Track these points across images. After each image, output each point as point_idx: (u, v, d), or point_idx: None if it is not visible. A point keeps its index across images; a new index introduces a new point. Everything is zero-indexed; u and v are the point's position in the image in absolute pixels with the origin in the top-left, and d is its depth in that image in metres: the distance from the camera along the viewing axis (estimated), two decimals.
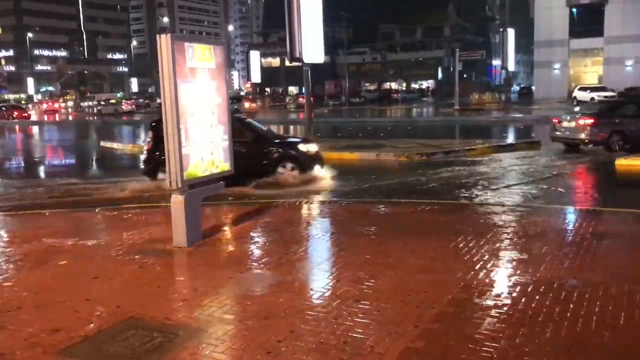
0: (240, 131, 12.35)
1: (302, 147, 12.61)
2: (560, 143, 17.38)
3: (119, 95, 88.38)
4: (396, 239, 7.05)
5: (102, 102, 65.03)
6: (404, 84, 72.50)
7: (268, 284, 5.60)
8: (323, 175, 12.57)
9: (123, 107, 62.74)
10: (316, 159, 12.68)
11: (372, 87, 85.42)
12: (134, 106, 64.73)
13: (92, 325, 4.62)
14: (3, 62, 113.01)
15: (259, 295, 5.29)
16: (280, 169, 12.11)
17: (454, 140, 20.75)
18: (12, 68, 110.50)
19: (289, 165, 12.16)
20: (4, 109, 56.24)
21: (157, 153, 11.85)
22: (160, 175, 11.56)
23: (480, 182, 11.89)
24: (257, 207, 9.44)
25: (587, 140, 16.47)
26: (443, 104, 52.46)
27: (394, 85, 73.26)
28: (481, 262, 5.99)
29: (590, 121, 16.48)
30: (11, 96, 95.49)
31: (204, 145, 7.06)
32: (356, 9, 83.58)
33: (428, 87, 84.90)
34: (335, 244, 7.27)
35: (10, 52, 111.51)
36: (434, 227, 7.81)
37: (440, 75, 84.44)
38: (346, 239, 7.34)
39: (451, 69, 59.32)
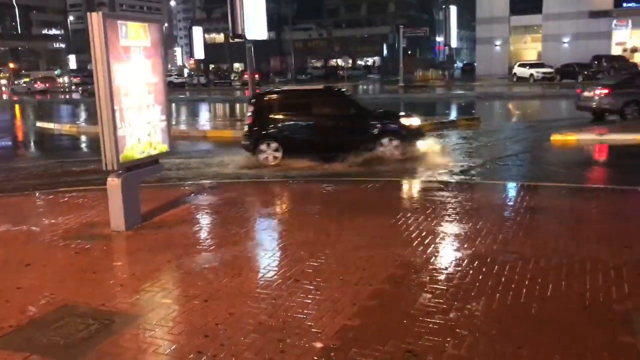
0: (341, 106, 12.24)
1: (404, 121, 12.18)
2: (585, 111, 18.32)
3: (56, 72, 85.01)
4: (337, 217, 7.11)
5: (16, 82, 64.35)
6: (350, 61, 72.47)
7: (208, 267, 5.56)
8: (426, 150, 12.19)
9: (36, 85, 61.89)
10: (418, 133, 12.30)
11: (318, 64, 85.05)
12: (47, 85, 63.06)
13: (24, 314, 4.49)
14: None
15: (198, 278, 5.25)
16: (381, 144, 11.66)
17: None
18: None
19: (390, 139, 11.68)
20: None
21: (257, 128, 11.92)
22: (261, 153, 11.77)
23: (421, 159, 12.06)
24: (204, 188, 9.33)
25: (603, 109, 17.45)
26: (388, 81, 52.86)
27: (340, 62, 73.17)
28: (419, 239, 6.13)
29: (605, 91, 17.41)
30: None
31: (140, 126, 6.89)
32: None
33: (374, 64, 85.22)
34: (277, 224, 7.28)
35: None
36: (374, 204, 7.92)
37: (385, 51, 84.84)
38: (289, 219, 7.38)
39: (396, 45, 59.72)
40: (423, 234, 6.30)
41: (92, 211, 7.85)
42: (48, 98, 48.94)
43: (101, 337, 4.07)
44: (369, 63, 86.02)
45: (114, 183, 6.68)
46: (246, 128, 12.21)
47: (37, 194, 9.47)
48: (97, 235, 6.66)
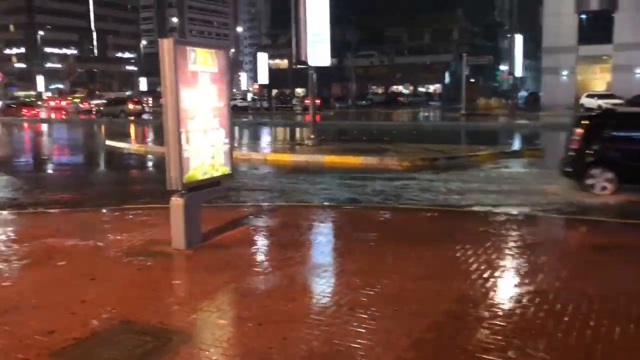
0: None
1: None
2: None
3: (127, 94, 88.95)
4: (394, 246, 7.05)
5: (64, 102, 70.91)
6: (411, 88, 72.42)
7: (264, 289, 5.61)
8: None
9: (81, 105, 66.54)
10: None
11: (379, 90, 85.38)
12: (90, 104, 66.78)
13: (86, 327, 4.65)
14: (14, 59, 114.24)
15: (254, 300, 5.30)
16: None
17: (458, 146, 20.65)
18: (23, 65, 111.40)
19: None
20: (13, 105, 57.15)
21: (585, 153, 10.82)
22: (589, 181, 10.68)
23: (481, 189, 11.83)
24: (262, 211, 9.46)
25: None
26: (449, 109, 52.36)
27: (401, 89, 73.21)
28: (478, 272, 5.98)
29: None
30: (21, 93, 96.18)
31: (204, 148, 7.08)
32: (364, 12, 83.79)
33: (435, 91, 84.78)
34: (333, 250, 7.28)
35: (22, 50, 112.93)
36: (432, 234, 7.79)
37: (447, 79, 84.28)
38: (345, 245, 7.35)
39: (458, 73, 59.24)
40: None
41: (154, 229, 8.07)
42: (92, 118, 51.40)
43: (158, 355, 4.15)
44: (430, 90, 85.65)
45: (177, 202, 6.86)
46: (571, 153, 11.03)
47: (104, 211, 9.84)
48: (158, 253, 6.84)
